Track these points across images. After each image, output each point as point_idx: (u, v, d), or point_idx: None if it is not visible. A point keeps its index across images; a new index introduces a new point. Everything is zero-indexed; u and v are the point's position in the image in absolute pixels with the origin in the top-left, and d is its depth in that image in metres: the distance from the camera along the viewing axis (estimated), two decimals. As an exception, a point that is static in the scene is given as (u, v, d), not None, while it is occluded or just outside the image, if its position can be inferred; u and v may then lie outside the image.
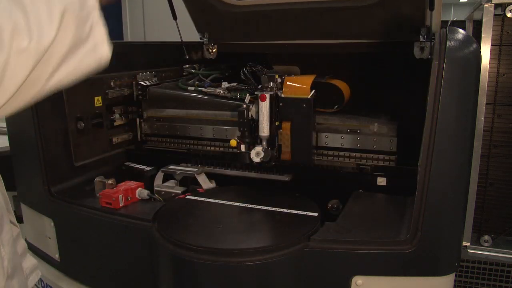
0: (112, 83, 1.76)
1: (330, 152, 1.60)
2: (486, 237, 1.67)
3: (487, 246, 1.67)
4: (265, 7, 1.86)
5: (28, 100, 0.78)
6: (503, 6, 1.54)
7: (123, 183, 1.43)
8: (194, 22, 2.10)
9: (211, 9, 1.96)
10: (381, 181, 1.53)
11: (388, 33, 1.74)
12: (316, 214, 1.29)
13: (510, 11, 1.53)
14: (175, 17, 1.94)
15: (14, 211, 1.98)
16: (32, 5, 0.74)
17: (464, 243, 1.66)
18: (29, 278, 1.08)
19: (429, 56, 1.61)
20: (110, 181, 1.43)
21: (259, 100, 1.47)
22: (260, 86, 1.55)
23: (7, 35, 0.69)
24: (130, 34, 4.76)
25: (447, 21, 2.75)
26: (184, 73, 2.08)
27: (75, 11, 0.80)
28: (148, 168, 1.67)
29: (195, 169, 1.61)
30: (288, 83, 1.51)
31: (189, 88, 1.85)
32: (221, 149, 1.76)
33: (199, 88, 1.83)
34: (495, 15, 1.55)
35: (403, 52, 1.70)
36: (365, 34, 1.79)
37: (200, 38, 2.19)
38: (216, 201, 1.41)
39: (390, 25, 1.72)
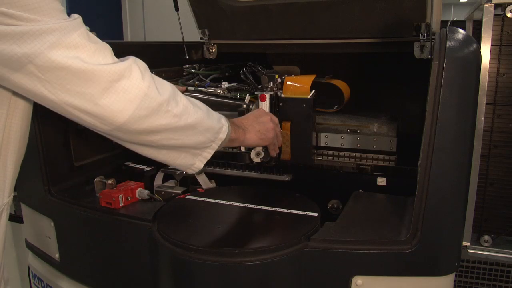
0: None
1: (330, 152, 1.61)
2: (486, 237, 1.67)
3: (487, 246, 1.67)
4: (267, 0, 1.86)
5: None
6: (503, 6, 1.54)
7: (123, 183, 1.43)
8: (195, 17, 2.10)
9: (213, 3, 1.96)
10: (381, 181, 1.53)
11: (389, 30, 1.74)
12: (316, 214, 1.29)
13: (510, 11, 1.53)
14: (177, 8, 1.94)
15: (14, 211, 1.99)
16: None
17: (464, 243, 1.66)
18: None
19: (429, 56, 1.61)
20: (110, 181, 1.43)
21: (259, 100, 1.47)
22: (260, 86, 1.55)
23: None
24: (130, 34, 4.76)
25: (447, 21, 2.75)
26: (184, 73, 2.08)
27: (207, 130, 1.06)
28: (148, 168, 1.67)
29: (195, 171, 1.61)
30: (288, 83, 1.51)
31: (189, 88, 1.85)
32: (221, 149, 1.75)
33: (199, 88, 1.83)
34: (495, 15, 1.55)
35: (403, 52, 1.71)
36: (366, 30, 1.79)
37: (201, 38, 2.19)
38: (216, 201, 1.41)
39: (390, 21, 1.72)
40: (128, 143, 1.00)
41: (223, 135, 1.11)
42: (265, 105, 1.46)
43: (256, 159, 1.47)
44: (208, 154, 1.11)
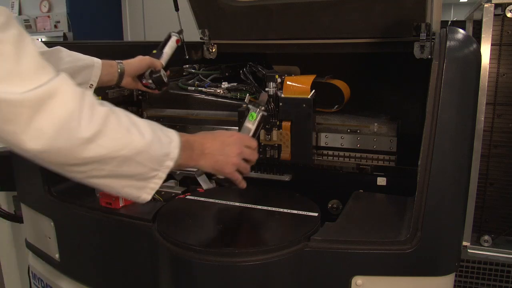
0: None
1: (330, 152, 1.61)
2: (486, 237, 1.67)
3: (487, 246, 1.67)
4: (267, 0, 1.86)
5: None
6: (503, 6, 1.54)
7: (123, 183, 1.43)
8: (195, 17, 2.10)
9: (213, 3, 1.96)
10: (381, 181, 1.53)
11: (389, 30, 1.74)
12: (316, 214, 1.29)
13: (510, 11, 1.53)
14: (177, 8, 1.94)
15: (14, 211, 1.99)
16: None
17: (464, 243, 1.66)
18: None
19: (429, 56, 1.61)
20: (110, 181, 1.43)
21: (247, 118, 1.36)
22: (255, 102, 1.53)
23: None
24: (130, 34, 4.76)
25: (447, 21, 2.75)
26: (184, 73, 2.08)
27: (148, 160, 0.95)
28: (148, 168, 1.67)
29: (195, 169, 1.61)
30: (288, 83, 1.51)
31: (189, 88, 1.85)
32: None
33: (199, 88, 1.83)
34: (495, 15, 1.55)
35: (403, 52, 1.71)
36: (366, 30, 1.79)
37: (201, 38, 2.19)
38: (216, 201, 1.41)
39: (390, 21, 1.72)
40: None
41: (170, 163, 0.99)
42: (252, 124, 1.35)
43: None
44: (155, 185, 1.00)
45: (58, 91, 0.78)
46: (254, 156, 1.23)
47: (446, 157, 1.10)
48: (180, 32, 1.75)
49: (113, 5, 4.75)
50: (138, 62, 1.52)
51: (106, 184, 0.94)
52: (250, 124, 1.34)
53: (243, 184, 1.24)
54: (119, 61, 1.48)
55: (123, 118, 0.91)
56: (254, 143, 1.24)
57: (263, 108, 1.37)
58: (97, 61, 1.39)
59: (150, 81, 1.55)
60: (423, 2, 1.57)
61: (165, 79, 1.57)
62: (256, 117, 1.34)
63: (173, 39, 1.69)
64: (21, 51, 0.74)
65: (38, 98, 0.75)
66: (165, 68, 1.66)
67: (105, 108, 0.87)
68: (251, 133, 1.34)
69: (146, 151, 0.93)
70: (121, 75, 1.47)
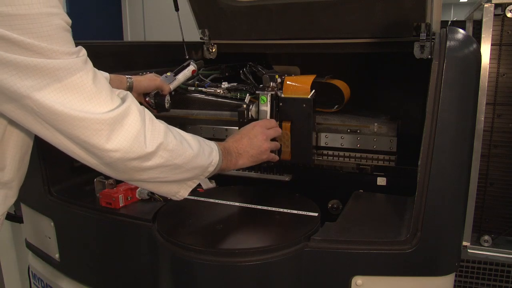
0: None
1: (330, 152, 1.61)
2: (486, 237, 1.67)
3: (487, 246, 1.67)
4: (267, 0, 1.86)
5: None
6: (503, 6, 1.54)
7: (123, 183, 1.43)
8: (195, 17, 2.10)
9: (213, 3, 1.96)
10: (381, 181, 1.53)
11: (389, 30, 1.74)
12: (316, 214, 1.29)
13: (510, 11, 1.53)
14: (177, 8, 1.94)
15: (14, 211, 1.99)
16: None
17: (464, 243, 1.66)
18: None
19: (429, 56, 1.61)
20: (110, 181, 1.43)
21: (260, 102, 1.48)
22: (261, 85, 1.55)
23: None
24: (130, 34, 4.76)
25: (447, 21, 2.75)
26: (184, 73, 2.08)
27: (195, 168, 1.07)
28: (148, 168, 1.67)
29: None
30: (288, 83, 1.51)
31: (189, 88, 1.85)
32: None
33: (199, 88, 1.83)
34: (495, 15, 1.55)
35: (403, 52, 1.71)
36: (366, 30, 1.79)
37: (201, 38, 2.19)
38: (216, 201, 1.41)
39: (390, 21, 1.72)
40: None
41: (212, 168, 1.12)
42: (265, 107, 1.46)
43: None
44: (193, 183, 1.13)
45: (130, 111, 0.89)
46: (277, 132, 1.37)
47: (446, 157, 1.10)
48: (199, 64, 1.80)
49: (113, 5, 4.75)
50: (148, 81, 1.56)
51: (152, 185, 1.05)
52: (264, 106, 1.48)
53: (277, 158, 1.39)
54: (128, 76, 1.51)
55: (174, 132, 1.02)
56: (272, 122, 1.38)
57: (269, 89, 1.50)
58: (105, 75, 1.40)
59: (152, 101, 1.59)
60: (423, 2, 1.57)
61: (167, 105, 1.61)
62: (267, 99, 1.47)
63: (190, 68, 1.74)
64: (97, 79, 0.86)
65: (116, 117, 0.86)
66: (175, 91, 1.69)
67: (163, 125, 0.99)
68: (268, 115, 1.47)
69: (194, 161, 1.04)
70: (129, 90, 1.49)
